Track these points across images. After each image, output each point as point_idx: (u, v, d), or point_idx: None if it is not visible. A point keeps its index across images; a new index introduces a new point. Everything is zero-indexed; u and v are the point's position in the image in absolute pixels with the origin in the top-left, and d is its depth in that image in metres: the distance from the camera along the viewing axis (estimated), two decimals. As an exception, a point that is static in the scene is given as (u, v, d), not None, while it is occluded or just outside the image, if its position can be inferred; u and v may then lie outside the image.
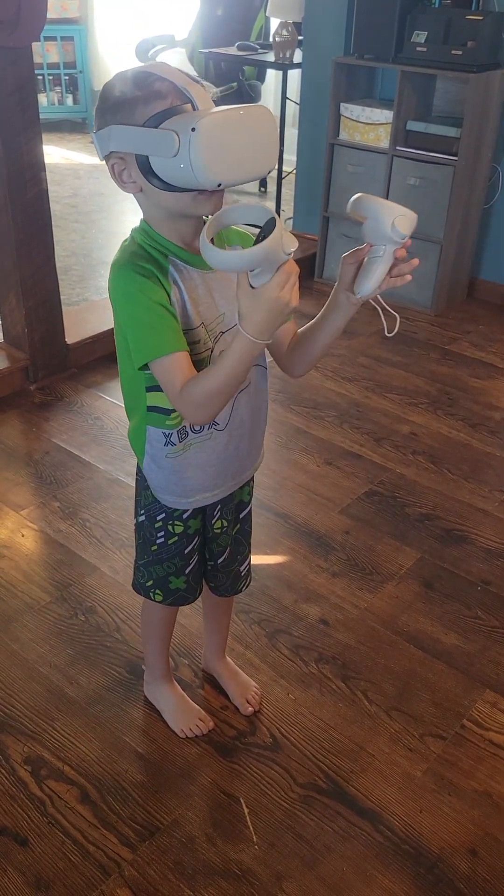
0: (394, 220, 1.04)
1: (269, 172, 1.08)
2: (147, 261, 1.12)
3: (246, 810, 1.52)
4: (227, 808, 1.52)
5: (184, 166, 0.99)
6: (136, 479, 1.43)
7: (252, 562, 1.64)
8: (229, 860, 1.43)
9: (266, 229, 0.96)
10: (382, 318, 1.21)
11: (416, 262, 1.11)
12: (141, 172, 1.06)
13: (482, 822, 1.52)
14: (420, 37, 3.26)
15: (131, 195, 1.13)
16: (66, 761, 1.59)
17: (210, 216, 1.04)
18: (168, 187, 1.05)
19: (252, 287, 1.00)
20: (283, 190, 4.42)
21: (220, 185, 1.02)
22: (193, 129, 0.97)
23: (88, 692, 1.74)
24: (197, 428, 1.27)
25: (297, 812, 1.52)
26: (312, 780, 1.58)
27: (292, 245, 0.95)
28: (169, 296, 1.11)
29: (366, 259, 1.10)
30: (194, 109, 1.01)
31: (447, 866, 1.44)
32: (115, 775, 1.57)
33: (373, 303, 1.18)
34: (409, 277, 1.12)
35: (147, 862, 1.42)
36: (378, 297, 1.16)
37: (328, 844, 1.46)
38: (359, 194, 1.09)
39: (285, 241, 0.95)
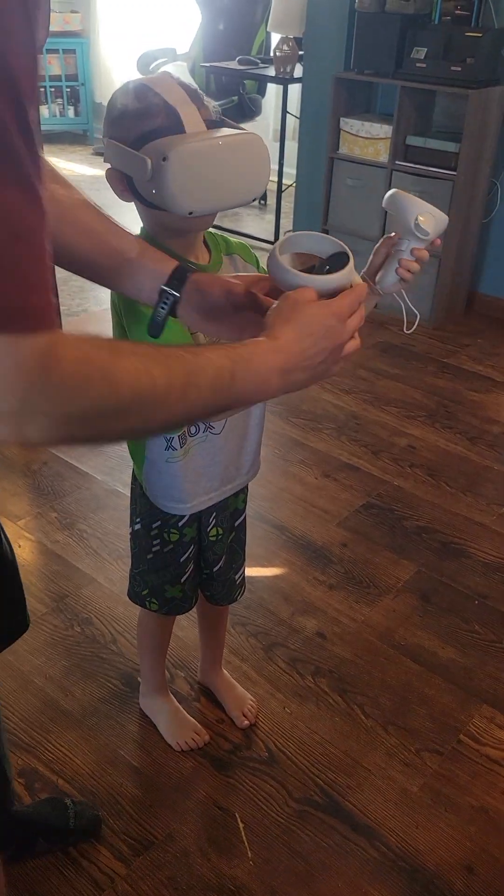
0: (418, 216, 1.03)
1: (253, 200, 1.06)
2: None
3: (241, 825, 1.51)
4: (221, 822, 1.51)
5: (155, 192, 0.99)
6: (132, 487, 1.43)
7: (249, 574, 1.63)
8: (224, 875, 1.42)
9: (334, 262, 0.92)
10: (404, 314, 1.20)
11: (425, 254, 1.07)
12: (129, 187, 1.07)
13: (478, 838, 1.51)
14: (420, 52, 3.28)
15: (132, 207, 1.13)
16: (61, 774, 1.58)
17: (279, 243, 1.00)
18: (153, 206, 1.05)
19: None
20: (283, 203, 4.44)
21: (190, 214, 1.02)
22: (165, 159, 0.96)
23: (84, 704, 1.73)
24: (193, 430, 1.27)
25: (293, 827, 1.51)
26: (308, 795, 1.57)
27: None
28: None
29: (392, 251, 1.08)
30: (182, 131, 1.00)
31: (443, 883, 1.43)
32: (109, 789, 1.56)
33: (396, 297, 1.16)
34: (408, 275, 1.07)
35: (141, 877, 1.41)
36: (403, 293, 1.15)
37: (323, 860, 1.45)
38: (394, 190, 1.07)
39: (354, 281, 0.91)
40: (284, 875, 1.43)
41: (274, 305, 0.86)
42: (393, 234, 1.07)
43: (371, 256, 1.10)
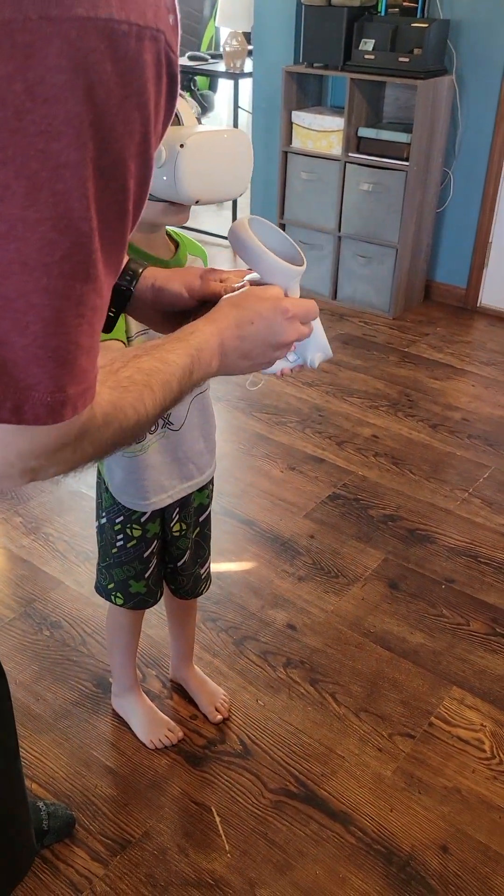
0: (317, 353, 1.00)
1: (241, 194, 1.10)
2: None
3: (217, 819, 1.51)
4: (198, 817, 1.52)
5: (167, 179, 1.01)
6: (97, 481, 1.43)
7: (219, 570, 1.64)
8: (202, 870, 1.42)
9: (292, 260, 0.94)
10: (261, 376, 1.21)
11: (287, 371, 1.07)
12: None
13: (452, 818, 1.53)
14: (368, 44, 3.30)
15: None
16: (34, 779, 1.57)
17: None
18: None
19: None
20: (239, 198, 4.44)
21: (197, 202, 1.05)
22: (182, 146, 0.99)
23: (55, 708, 1.72)
24: (152, 428, 1.28)
25: (269, 818, 1.52)
26: (283, 785, 1.58)
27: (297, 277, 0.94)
28: None
29: None
30: (179, 124, 1.05)
31: (419, 864, 1.45)
32: (84, 791, 1.55)
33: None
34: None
35: (119, 876, 1.41)
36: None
37: (300, 849, 1.46)
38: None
39: (293, 290, 0.92)
40: (262, 865, 1.43)
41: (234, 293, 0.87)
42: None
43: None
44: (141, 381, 0.70)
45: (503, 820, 1.53)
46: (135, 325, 1.18)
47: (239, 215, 4.46)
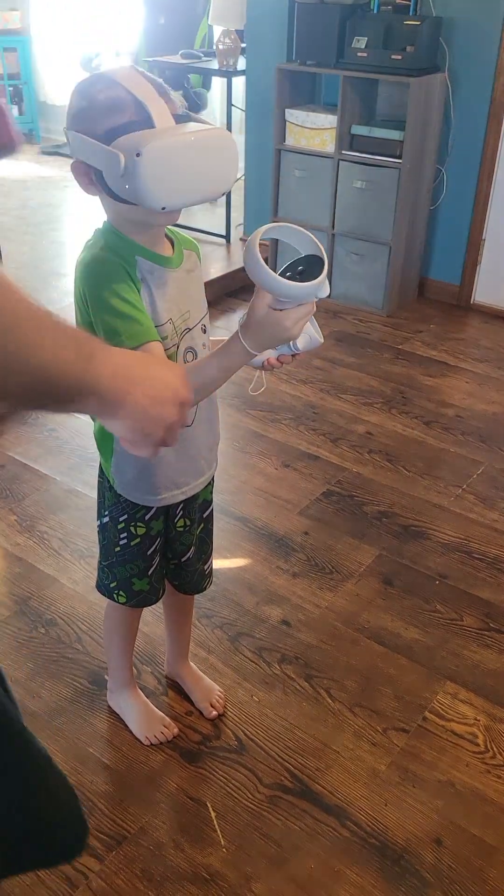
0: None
1: (223, 194, 1.08)
2: (115, 258, 1.12)
3: (213, 814, 1.52)
4: (193, 812, 1.52)
5: (129, 187, 1.00)
6: (99, 480, 1.43)
7: (213, 566, 1.64)
8: (197, 865, 1.43)
9: (308, 263, 0.99)
10: (254, 381, 1.26)
11: (287, 360, 1.14)
12: (97, 181, 1.07)
13: (446, 811, 1.54)
14: (360, 42, 3.31)
15: (80, 207, 1.14)
16: (30, 775, 1.57)
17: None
18: (122, 200, 1.06)
19: (272, 308, 1.03)
20: (233, 196, 4.44)
21: (163, 209, 1.03)
22: (138, 155, 0.98)
23: (51, 705, 1.72)
24: None
25: (264, 813, 1.52)
26: (278, 780, 1.58)
27: (326, 291, 0.99)
28: (139, 292, 1.12)
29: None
30: (153, 126, 1.02)
31: (413, 857, 1.46)
32: (79, 787, 1.56)
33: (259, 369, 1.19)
34: (270, 368, 1.15)
35: (115, 871, 1.42)
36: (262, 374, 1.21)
37: (295, 843, 1.47)
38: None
39: (325, 286, 0.97)
40: (258, 860, 1.44)
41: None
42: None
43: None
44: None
45: (496, 813, 1.54)
46: (164, 314, 1.17)
47: (233, 214, 4.45)
